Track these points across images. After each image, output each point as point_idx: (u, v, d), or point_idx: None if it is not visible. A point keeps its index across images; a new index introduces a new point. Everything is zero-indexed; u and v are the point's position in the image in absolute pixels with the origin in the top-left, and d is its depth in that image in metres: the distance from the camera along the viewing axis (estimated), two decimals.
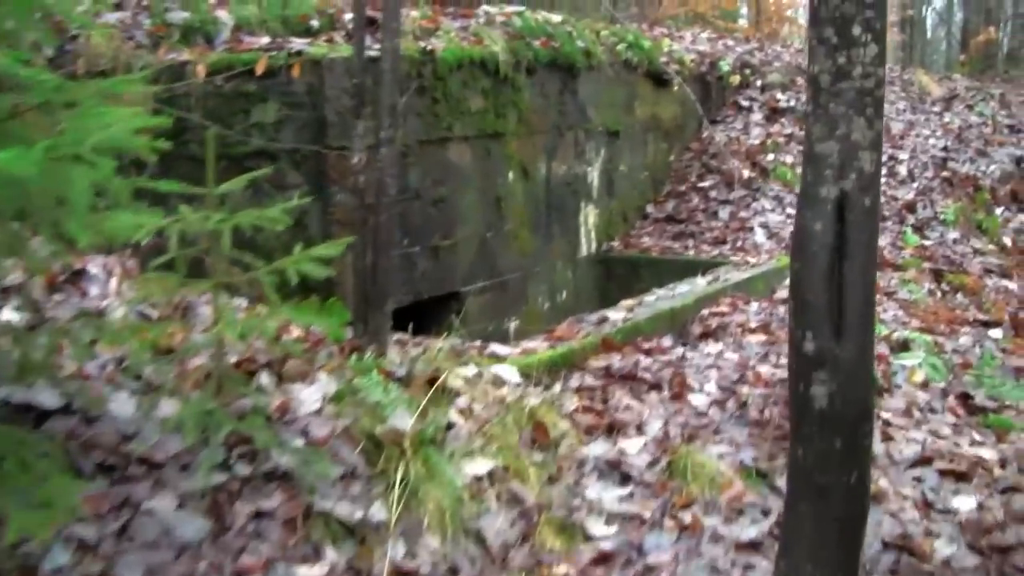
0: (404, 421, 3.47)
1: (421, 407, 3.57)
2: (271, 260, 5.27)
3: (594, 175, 7.57)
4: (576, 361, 4.63)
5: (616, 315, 5.29)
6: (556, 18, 7.29)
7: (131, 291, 4.07)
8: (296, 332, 4.23)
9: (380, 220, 4.04)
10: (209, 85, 4.87)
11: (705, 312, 5.73)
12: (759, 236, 7.68)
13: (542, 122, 6.91)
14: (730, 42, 10.46)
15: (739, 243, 7.61)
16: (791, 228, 7.83)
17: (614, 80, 7.71)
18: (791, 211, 8.10)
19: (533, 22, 6.93)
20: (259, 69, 4.33)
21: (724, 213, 8.05)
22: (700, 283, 6.18)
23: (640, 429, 3.87)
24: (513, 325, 6.76)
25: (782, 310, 5.91)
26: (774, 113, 9.47)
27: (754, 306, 5.94)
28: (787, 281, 6.97)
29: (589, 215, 7.52)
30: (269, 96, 5.08)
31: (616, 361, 4.63)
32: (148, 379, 3.43)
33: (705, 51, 9.46)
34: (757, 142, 8.92)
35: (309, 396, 3.57)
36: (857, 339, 2.40)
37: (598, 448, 3.67)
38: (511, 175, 6.63)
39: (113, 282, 4.13)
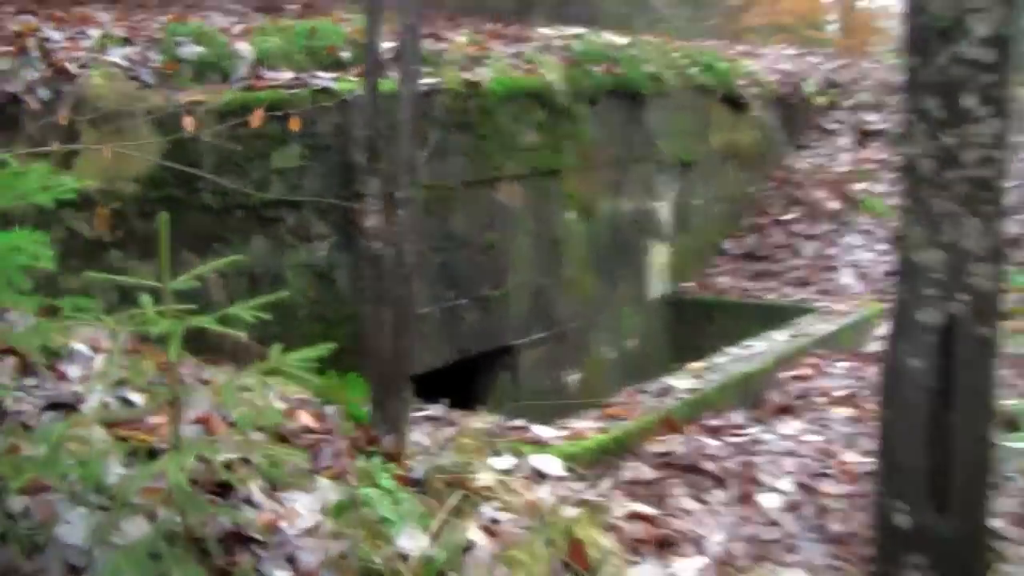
0: (414, 542, 2.93)
1: (437, 523, 3.02)
2: (294, 317, 4.77)
3: (665, 210, 6.95)
4: (631, 445, 4.04)
5: (681, 383, 4.69)
6: (621, 40, 6.70)
7: (117, 371, 3.58)
8: (305, 417, 3.70)
9: (399, 293, 3.49)
10: (223, 126, 4.37)
11: (784, 375, 5.09)
12: (847, 276, 6.99)
13: (605, 156, 6.32)
14: (815, 58, 9.75)
15: (824, 285, 6.93)
16: (883, 267, 7.13)
17: (686, 106, 7.08)
18: (881, 247, 7.39)
19: (595, 46, 6.34)
20: (255, 122, 3.79)
21: (808, 250, 7.37)
22: (779, 339, 5.53)
23: (699, 545, 3.26)
24: (573, 379, 6.17)
25: (871, 372, 5.24)
26: (863, 137, 8.75)
27: (840, 367, 5.28)
28: (877, 331, 6.31)
29: (659, 254, 6.91)
30: (290, 138, 4.57)
31: (678, 445, 4.03)
32: (115, 490, 2.92)
33: (788, 70, 8.78)
34: (845, 169, 8.21)
35: (305, 507, 3.04)
36: (967, 514, 1.79)
37: (646, 574, 3.08)
38: (570, 215, 6.06)
39: (98, 360, 3.64)
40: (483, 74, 5.41)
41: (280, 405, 3.87)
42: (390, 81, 5.01)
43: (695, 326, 6.92)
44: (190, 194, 4.42)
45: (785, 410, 4.59)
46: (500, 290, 5.55)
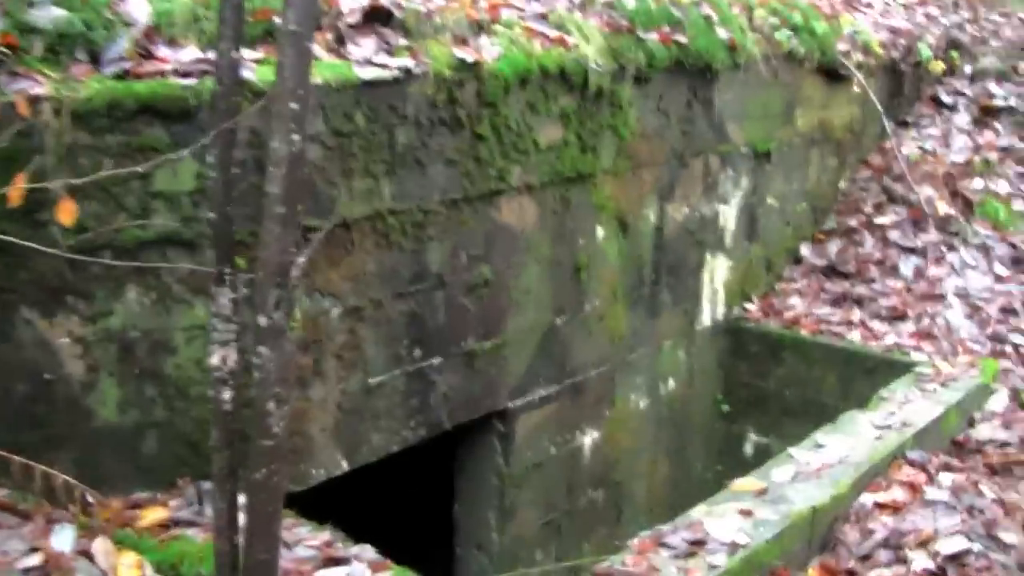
0: None
1: None
2: (185, 397, 3.44)
3: (729, 215, 5.48)
4: None
5: (721, 529, 3.30)
6: None
7: None
8: None
9: (255, 479, 2.16)
10: (82, 133, 3.02)
11: (867, 503, 3.69)
12: (955, 312, 5.49)
13: (656, 151, 4.85)
14: (933, 10, 8.05)
15: (925, 320, 5.44)
16: (1001, 300, 5.63)
17: (769, 81, 5.55)
18: (1002, 271, 5.87)
19: (652, 4, 4.84)
20: (13, 198, 2.32)
21: (907, 268, 5.86)
22: (863, 433, 4.11)
23: None
24: (589, 440, 4.81)
25: (988, 498, 3.82)
26: (986, 115, 7.11)
27: (945, 484, 3.86)
28: (991, 405, 4.86)
29: (717, 270, 5.46)
30: (183, 150, 3.20)
31: None
32: None
33: (899, 27, 7.13)
34: (960, 159, 6.62)
35: None
36: None
37: None
38: (601, 231, 4.63)
39: None
40: (486, 50, 3.96)
41: None
42: (334, 64, 3.59)
43: (756, 365, 5.50)
44: (31, 229, 3.08)
45: None
46: (493, 340, 4.18)
